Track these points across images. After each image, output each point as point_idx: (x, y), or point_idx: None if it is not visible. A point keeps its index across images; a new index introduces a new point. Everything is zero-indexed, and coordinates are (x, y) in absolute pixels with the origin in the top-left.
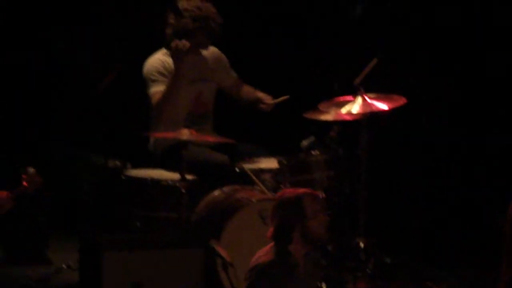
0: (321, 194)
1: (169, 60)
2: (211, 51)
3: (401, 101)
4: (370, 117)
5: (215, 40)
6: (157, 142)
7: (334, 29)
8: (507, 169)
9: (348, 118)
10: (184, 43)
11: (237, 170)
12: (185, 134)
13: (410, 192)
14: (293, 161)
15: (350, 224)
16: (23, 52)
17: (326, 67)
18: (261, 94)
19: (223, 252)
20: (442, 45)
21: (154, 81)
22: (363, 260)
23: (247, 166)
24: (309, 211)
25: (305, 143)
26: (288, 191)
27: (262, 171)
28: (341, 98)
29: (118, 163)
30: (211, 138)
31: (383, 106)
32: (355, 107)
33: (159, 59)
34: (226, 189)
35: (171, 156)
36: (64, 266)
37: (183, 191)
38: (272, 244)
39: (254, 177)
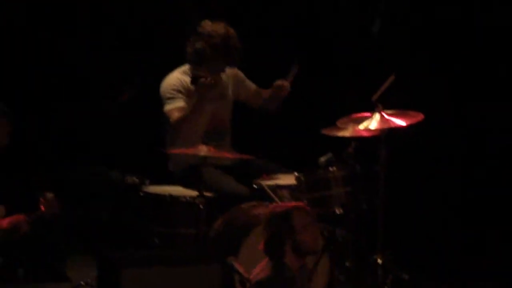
0: (339, 210)
1: (186, 79)
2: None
3: (418, 117)
4: (388, 133)
5: (232, 66)
6: (175, 159)
7: (352, 45)
8: None
9: (366, 134)
10: (210, 80)
11: (255, 186)
12: (203, 150)
13: (428, 208)
14: (311, 177)
15: (368, 240)
16: (41, 71)
17: (344, 84)
18: (275, 84)
19: (240, 268)
20: (461, 61)
21: (170, 98)
22: (381, 276)
23: (265, 182)
24: (298, 225)
25: (323, 159)
26: (278, 206)
27: (279, 187)
28: (359, 115)
29: (136, 179)
30: (229, 155)
31: (400, 122)
32: (373, 123)
33: (177, 77)
34: (243, 205)
35: (189, 172)
36: (82, 283)
37: (201, 207)
38: (266, 259)
39: (271, 194)
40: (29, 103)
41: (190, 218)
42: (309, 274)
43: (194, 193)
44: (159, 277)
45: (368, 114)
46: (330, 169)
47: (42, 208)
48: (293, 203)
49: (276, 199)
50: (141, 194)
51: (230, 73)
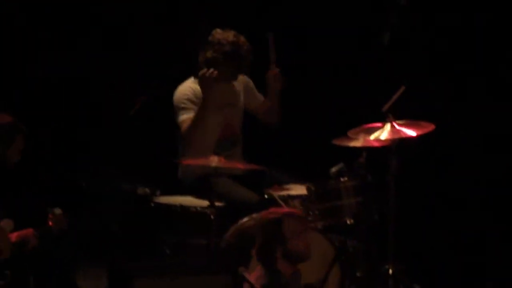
0: (350, 221)
1: (199, 88)
2: (240, 78)
3: (429, 127)
4: (398, 143)
5: (243, 74)
6: (187, 169)
7: (362, 56)
8: None
9: (376, 144)
10: (212, 72)
11: (266, 196)
12: (214, 161)
13: (439, 218)
14: (322, 187)
15: (379, 250)
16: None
17: (355, 94)
18: (267, 77)
19: (251, 279)
20: (472, 72)
21: (183, 109)
22: (392, 286)
23: (276, 192)
24: (289, 232)
25: (334, 169)
26: (270, 212)
27: (290, 197)
28: (370, 125)
29: (147, 190)
30: (241, 165)
31: (411, 132)
32: (383, 133)
33: (189, 86)
34: (255, 215)
35: (200, 183)
36: None
37: (212, 217)
38: (259, 267)
39: (283, 204)
40: (39, 114)
41: (201, 228)
42: (320, 284)
43: (205, 203)
44: (170, 287)
45: (379, 124)
46: (341, 179)
47: (50, 223)
48: (287, 210)
49: None
50: (152, 204)
51: (241, 80)
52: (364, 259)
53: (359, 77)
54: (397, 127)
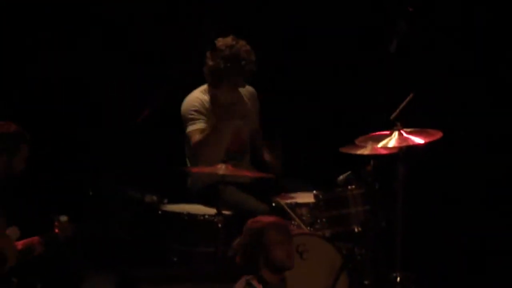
0: (357, 228)
1: (207, 98)
2: (249, 90)
3: (437, 135)
4: (406, 151)
5: (249, 77)
6: (194, 177)
7: (370, 63)
8: None
9: (384, 152)
10: (228, 100)
11: (274, 204)
12: (222, 169)
13: (446, 225)
14: (330, 195)
15: (386, 258)
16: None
17: (363, 102)
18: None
19: (259, 287)
20: (479, 79)
21: (191, 119)
22: None
23: (284, 200)
24: (270, 241)
25: (341, 177)
26: (254, 221)
27: (298, 205)
28: (378, 133)
29: (155, 198)
30: (249, 173)
31: (419, 140)
32: (391, 141)
33: (197, 97)
34: None
35: (208, 191)
36: None
37: (220, 225)
38: (243, 276)
39: (290, 212)
40: (46, 122)
41: (208, 237)
42: None
43: (212, 211)
44: None
45: (387, 132)
46: (349, 187)
47: (56, 230)
48: (270, 219)
49: (295, 217)
50: (160, 212)
51: (252, 96)
52: (371, 266)
53: (367, 85)
54: (405, 134)
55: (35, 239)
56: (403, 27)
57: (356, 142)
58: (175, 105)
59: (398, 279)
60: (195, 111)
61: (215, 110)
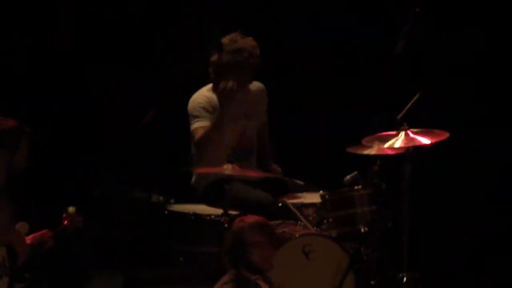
0: (364, 229)
1: (214, 96)
2: (256, 86)
3: (444, 135)
4: (413, 151)
5: (255, 73)
6: (200, 177)
7: (377, 63)
8: None
9: (391, 152)
10: (232, 84)
11: (280, 205)
12: (228, 169)
13: (453, 225)
14: (336, 195)
15: (393, 258)
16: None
17: (369, 102)
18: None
19: (265, 287)
20: (486, 78)
21: (197, 117)
22: None
23: (290, 201)
24: (248, 241)
25: (348, 177)
26: (239, 219)
27: (304, 206)
28: (384, 133)
29: (161, 198)
30: (255, 173)
31: (425, 140)
32: (397, 141)
33: (204, 95)
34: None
35: (213, 191)
36: None
37: (226, 226)
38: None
39: (297, 212)
40: (54, 120)
41: (215, 237)
42: None
43: (218, 211)
44: None
45: (393, 132)
46: (355, 187)
47: (65, 222)
48: (253, 219)
49: (301, 217)
50: (166, 212)
51: (259, 91)
52: (378, 267)
53: (374, 84)
54: (411, 135)
55: (45, 232)
56: (410, 27)
57: (363, 142)
58: (181, 104)
59: (405, 279)
60: (202, 108)
61: (218, 97)
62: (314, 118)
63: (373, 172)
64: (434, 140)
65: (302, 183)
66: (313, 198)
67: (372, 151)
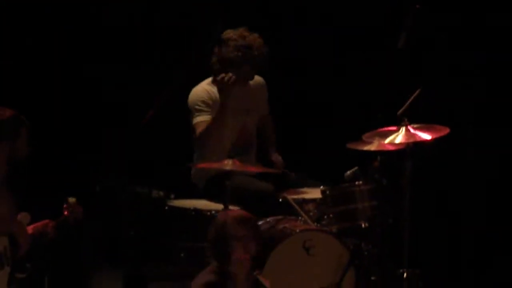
0: (364, 224)
1: (214, 90)
2: (255, 80)
3: (444, 131)
4: (413, 147)
5: (260, 70)
6: (200, 173)
7: (377, 59)
8: None
9: (391, 148)
10: (230, 76)
11: (281, 200)
12: (228, 164)
13: (453, 222)
14: (337, 191)
15: (393, 254)
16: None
17: (370, 97)
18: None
19: (266, 282)
20: (488, 74)
21: (198, 111)
22: None
23: (290, 196)
24: (230, 235)
25: (349, 173)
26: (223, 213)
27: (305, 201)
28: (385, 129)
29: (161, 193)
30: (255, 168)
31: (426, 136)
32: (398, 137)
33: (204, 89)
34: (269, 219)
35: (214, 186)
36: None
37: None
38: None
39: (297, 207)
40: (57, 114)
41: None
42: None
43: (219, 207)
44: None
45: (393, 128)
46: (356, 183)
47: (66, 212)
48: (237, 213)
49: (302, 212)
50: (166, 208)
51: (259, 85)
52: (378, 262)
53: (374, 80)
54: (412, 130)
55: (46, 223)
56: (411, 22)
57: (363, 138)
58: (181, 99)
59: (405, 275)
60: (202, 102)
61: (218, 89)
62: (315, 113)
63: (374, 167)
64: (434, 136)
65: (293, 174)
66: (314, 193)
67: (373, 146)
